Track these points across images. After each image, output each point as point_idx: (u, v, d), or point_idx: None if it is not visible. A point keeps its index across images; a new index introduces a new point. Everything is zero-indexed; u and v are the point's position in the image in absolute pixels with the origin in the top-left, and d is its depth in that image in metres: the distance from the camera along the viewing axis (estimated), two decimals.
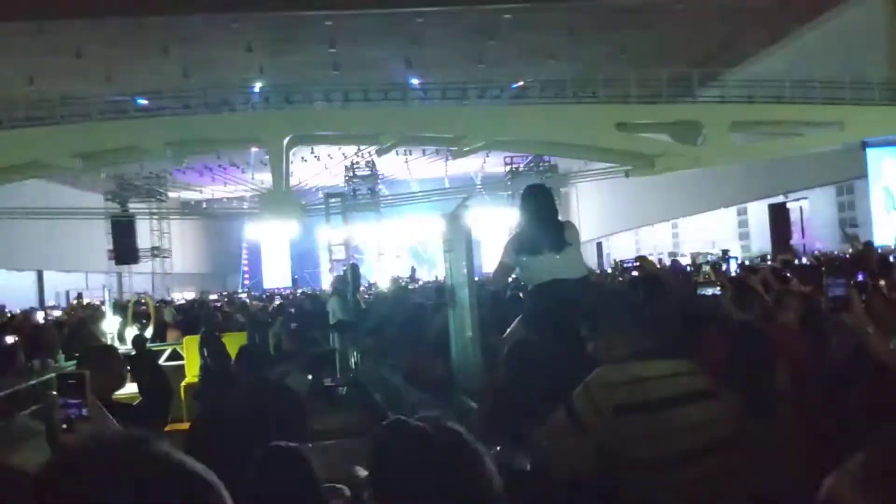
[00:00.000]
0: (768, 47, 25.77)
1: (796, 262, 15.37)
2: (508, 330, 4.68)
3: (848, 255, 12.87)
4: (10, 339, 8.16)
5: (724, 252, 24.95)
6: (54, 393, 2.09)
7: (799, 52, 24.35)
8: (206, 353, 7.44)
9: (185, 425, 5.31)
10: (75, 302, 22.92)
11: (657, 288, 4.59)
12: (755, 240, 29.34)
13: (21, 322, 13.34)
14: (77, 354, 5.69)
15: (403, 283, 15.89)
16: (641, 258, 4.78)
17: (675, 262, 15.69)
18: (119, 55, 23.19)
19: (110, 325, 10.65)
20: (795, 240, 27.19)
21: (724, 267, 9.19)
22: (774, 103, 22.08)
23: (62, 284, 31.73)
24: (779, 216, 27.96)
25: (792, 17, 23.45)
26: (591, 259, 36.14)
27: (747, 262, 19.09)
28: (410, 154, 32.33)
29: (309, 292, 23.61)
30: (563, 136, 22.80)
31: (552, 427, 2.65)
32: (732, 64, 25.35)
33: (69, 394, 1.97)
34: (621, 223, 38.19)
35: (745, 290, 4.37)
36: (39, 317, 16.13)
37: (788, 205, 27.78)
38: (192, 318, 13.28)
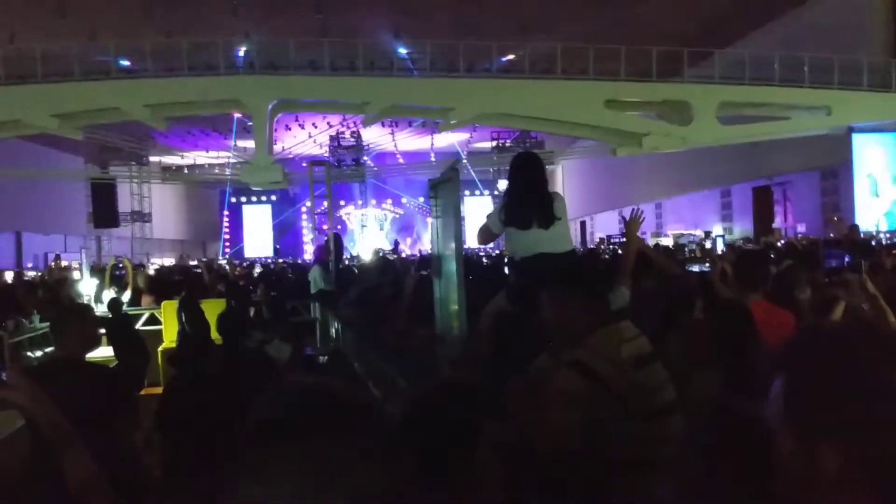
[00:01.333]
0: (759, 29, 25.69)
1: (779, 244, 15.44)
2: (491, 302, 4.61)
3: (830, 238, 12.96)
4: None
5: (707, 233, 25.08)
6: None
7: (789, 34, 24.29)
8: (184, 319, 7.31)
9: (161, 389, 5.22)
10: (53, 264, 22.61)
11: (645, 264, 4.53)
12: (738, 221, 29.48)
13: None
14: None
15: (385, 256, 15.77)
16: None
17: (656, 246, 15.68)
18: (102, 15, 22.73)
19: (87, 287, 10.50)
20: (778, 223, 27.35)
21: (709, 245, 9.19)
22: (763, 85, 22.04)
23: (41, 246, 31.35)
24: (762, 199, 28.07)
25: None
26: (574, 237, 36.21)
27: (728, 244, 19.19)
28: (396, 126, 32.04)
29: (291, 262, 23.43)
30: (551, 111, 22.64)
31: (543, 397, 2.60)
32: (723, 44, 25.26)
33: None
34: (605, 203, 38.24)
35: (754, 266, 4.19)
36: (11, 277, 15.92)
37: (772, 188, 27.88)
38: (169, 283, 13.09)
